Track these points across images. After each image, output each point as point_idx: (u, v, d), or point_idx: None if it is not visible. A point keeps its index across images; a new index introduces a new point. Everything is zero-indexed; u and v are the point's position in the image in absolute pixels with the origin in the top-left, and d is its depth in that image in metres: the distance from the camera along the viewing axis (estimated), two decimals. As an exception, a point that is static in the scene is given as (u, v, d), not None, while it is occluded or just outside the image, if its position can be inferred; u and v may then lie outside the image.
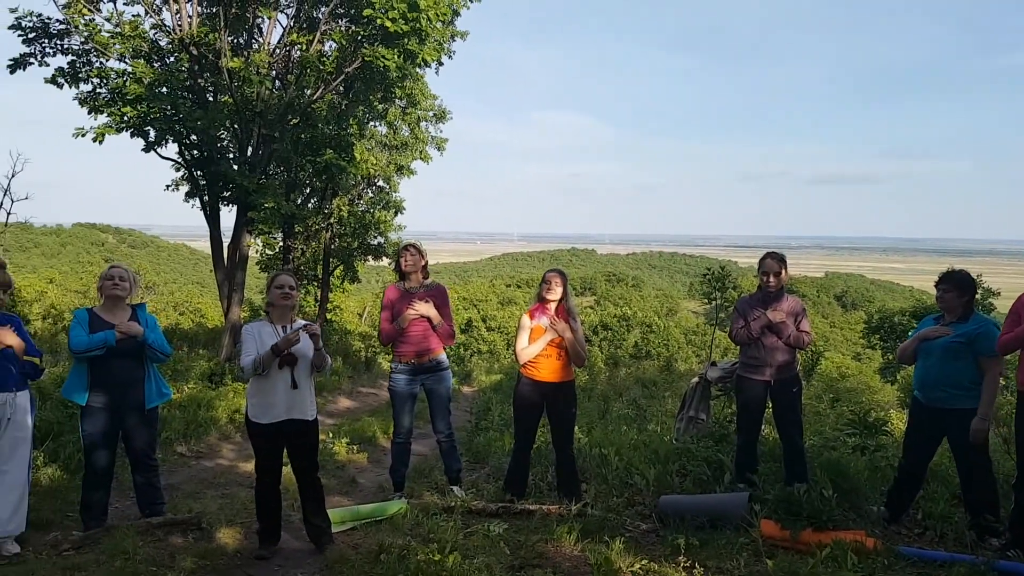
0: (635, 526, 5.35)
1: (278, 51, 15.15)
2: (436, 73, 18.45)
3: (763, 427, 6.35)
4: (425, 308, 5.93)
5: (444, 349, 6.17)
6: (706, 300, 17.63)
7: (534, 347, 5.71)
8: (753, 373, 5.86)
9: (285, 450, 4.92)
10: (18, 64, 14.00)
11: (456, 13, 17.35)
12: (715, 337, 20.17)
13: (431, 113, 20.72)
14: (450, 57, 18.94)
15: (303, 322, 4.87)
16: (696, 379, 7.74)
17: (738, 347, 6.14)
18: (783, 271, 5.90)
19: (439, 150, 20.99)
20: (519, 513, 5.50)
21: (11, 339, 4.71)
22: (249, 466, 7.62)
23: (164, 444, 7.66)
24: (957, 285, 5.13)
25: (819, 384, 12.92)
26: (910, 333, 5.67)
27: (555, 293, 5.73)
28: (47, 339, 16.38)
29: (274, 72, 14.86)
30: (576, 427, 6.36)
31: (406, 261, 6.02)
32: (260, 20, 15.00)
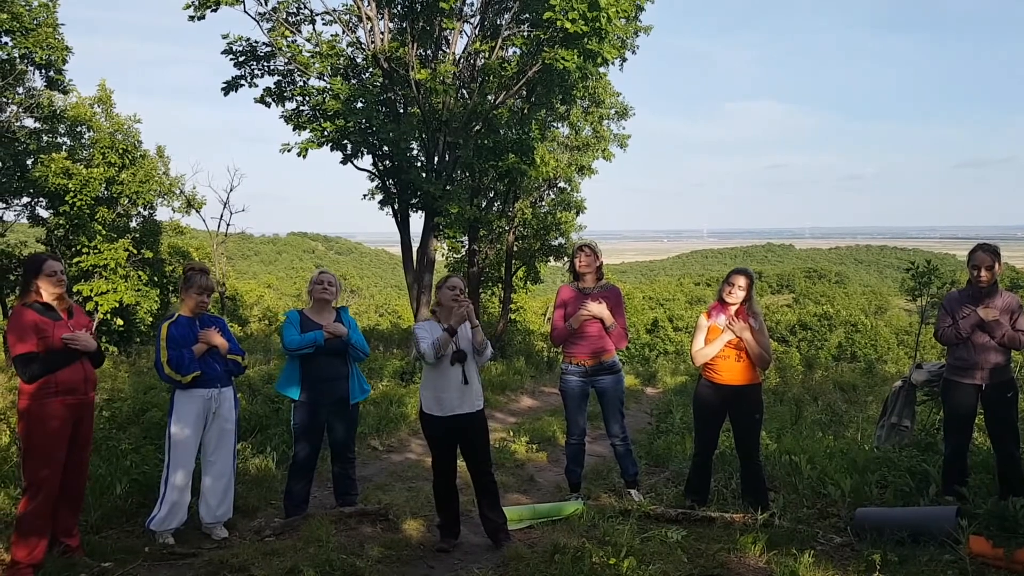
0: (827, 539, 5.04)
1: (463, 60, 15.68)
2: (620, 70, 18.32)
3: (974, 435, 5.85)
4: (598, 309, 5.86)
5: (619, 351, 6.08)
6: (910, 298, 16.23)
7: (710, 348, 5.47)
8: (962, 376, 5.39)
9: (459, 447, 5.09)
10: (231, 86, 15.45)
11: (640, 8, 17.13)
12: (920, 339, 18.55)
13: (613, 111, 20.61)
14: (634, 52, 18.76)
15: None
16: (899, 383, 7.20)
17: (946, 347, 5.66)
18: (996, 264, 5.35)
19: (622, 148, 20.82)
20: (699, 520, 5.33)
21: (217, 339, 5.17)
22: (435, 461, 7.91)
23: (359, 438, 8.07)
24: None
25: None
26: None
27: (735, 297, 5.43)
28: (262, 339, 17.95)
29: (458, 81, 15.39)
30: (764, 432, 6.07)
31: (581, 261, 6.00)
32: (446, 32, 15.60)
